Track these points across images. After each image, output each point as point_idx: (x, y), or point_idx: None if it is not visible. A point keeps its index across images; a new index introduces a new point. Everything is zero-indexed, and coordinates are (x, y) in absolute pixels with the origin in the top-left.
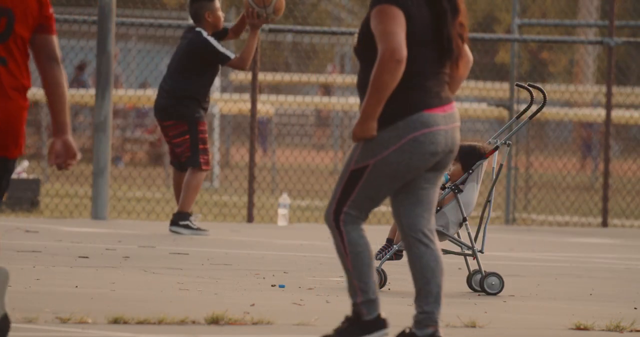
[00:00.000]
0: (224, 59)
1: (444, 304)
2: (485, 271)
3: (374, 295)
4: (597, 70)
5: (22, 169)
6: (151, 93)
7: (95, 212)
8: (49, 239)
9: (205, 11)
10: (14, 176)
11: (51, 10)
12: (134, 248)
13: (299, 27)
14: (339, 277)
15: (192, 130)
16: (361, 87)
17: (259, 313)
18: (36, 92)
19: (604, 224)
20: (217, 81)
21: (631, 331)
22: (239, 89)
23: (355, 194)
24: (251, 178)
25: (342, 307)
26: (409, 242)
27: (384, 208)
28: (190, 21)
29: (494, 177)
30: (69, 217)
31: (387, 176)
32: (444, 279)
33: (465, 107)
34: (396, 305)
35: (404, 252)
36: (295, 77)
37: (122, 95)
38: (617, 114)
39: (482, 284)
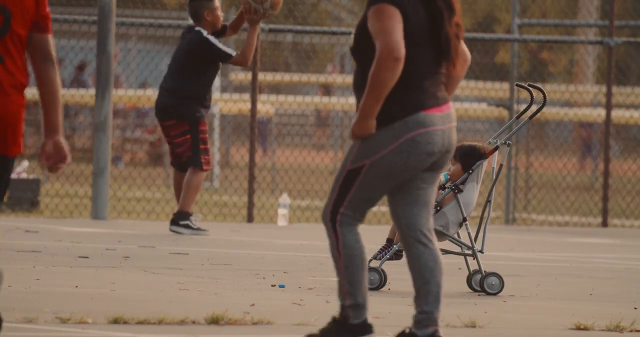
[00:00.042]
0: (225, 57)
1: (444, 304)
2: (485, 271)
3: (362, 300)
4: (597, 70)
5: (22, 169)
6: (151, 93)
7: (95, 212)
8: (49, 239)
9: (205, 10)
10: (14, 175)
11: (48, 9)
12: (134, 248)
13: (299, 27)
14: None
15: (193, 130)
16: (357, 88)
17: (259, 313)
18: (36, 92)
19: (604, 224)
20: (217, 81)
21: (631, 331)
22: (239, 89)
23: (352, 194)
24: (251, 178)
25: None
26: (408, 242)
27: (385, 208)
28: (191, 21)
29: (494, 177)
30: (69, 217)
31: (383, 176)
32: (444, 279)
33: (465, 107)
34: (396, 305)
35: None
36: (295, 77)
37: (122, 95)
38: (617, 114)
39: (482, 284)
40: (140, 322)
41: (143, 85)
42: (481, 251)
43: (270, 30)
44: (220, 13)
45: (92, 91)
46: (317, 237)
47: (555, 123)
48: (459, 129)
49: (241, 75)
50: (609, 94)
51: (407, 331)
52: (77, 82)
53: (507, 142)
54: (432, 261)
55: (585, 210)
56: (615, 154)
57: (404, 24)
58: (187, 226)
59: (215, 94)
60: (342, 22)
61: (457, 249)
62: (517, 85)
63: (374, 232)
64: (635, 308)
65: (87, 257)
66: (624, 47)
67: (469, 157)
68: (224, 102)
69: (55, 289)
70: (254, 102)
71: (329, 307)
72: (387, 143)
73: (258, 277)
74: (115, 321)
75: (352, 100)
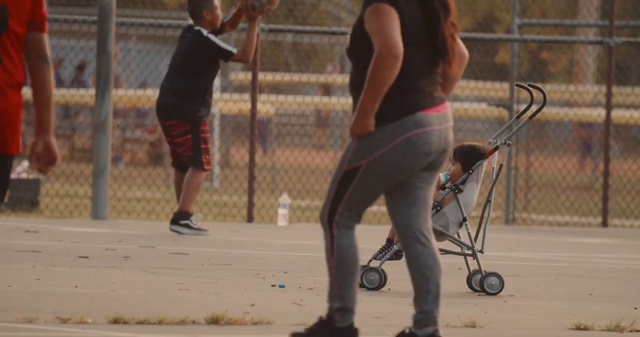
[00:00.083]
0: (227, 55)
1: (444, 304)
2: (485, 271)
3: (351, 304)
4: (597, 70)
5: (22, 169)
6: (151, 93)
7: (95, 212)
8: (49, 239)
9: (204, 9)
10: (14, 175)
11: (44, 8)
12: (134, 248)
13: (299, 27)
14: None
15: (194, 130)
16: (354, 88)
17: (259, 313)
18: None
19: (604, 224)
20: (217, 81)
21: (631, 331)
22: (239, 89)
23: (349, 195)
24: (251, 178)
25: None
26: (406, 242)
27: (385, 208)
28: (191, 21)
29: (494, 177)
30: (69, 217)
31: (380, 176)
32: (443, 279)
33: (465, 107)
34: (396, 305)
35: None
36: (295, 77)
37: (122, 95)
38: (617, 114)
39: (482, 284)
40: (140, 322)
41: (143, 85)
42: (481, 251)
43: (270, 30)
44: (219, 12)
45: (92, 91)
46: (317, 237)
47: (555, 123)
48: (459, 129)
49: (241, 75)
50: (609, 94)
51: (407, 331)
52: (77, 82)
53: (507, 142)
54: (432, 261)
55: (585, 210)
56: (615, 154)
57: (400, 24)
58: (187, 226)
59: (216, 94)
60: (342, 22)
61: (457, 249)
62: (517, 85)
63: (374, 232)
64: (635, 308)
65: (87, 257)
66: (624, 47)
67: (469, 157)
68: (224, 102)
69: (55, 289)
70: (254, 102)
71: None
72: (383, 143)
73: (258, 277)
74: (115, 321)
75: (351, 100)
